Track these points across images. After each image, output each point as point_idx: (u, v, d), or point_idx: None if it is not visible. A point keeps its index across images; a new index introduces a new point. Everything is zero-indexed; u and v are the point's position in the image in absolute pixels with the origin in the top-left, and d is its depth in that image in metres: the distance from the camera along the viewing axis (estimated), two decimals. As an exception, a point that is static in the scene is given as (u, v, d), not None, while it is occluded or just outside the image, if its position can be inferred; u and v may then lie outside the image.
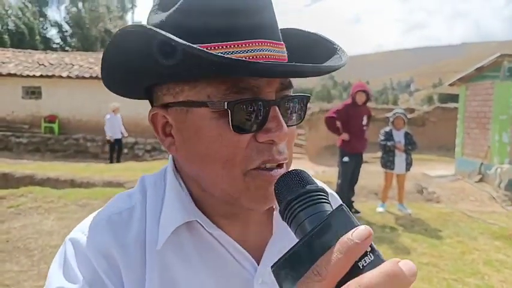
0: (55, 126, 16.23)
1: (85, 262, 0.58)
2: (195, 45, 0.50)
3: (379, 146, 6.36)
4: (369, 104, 6.24)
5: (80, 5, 37.31)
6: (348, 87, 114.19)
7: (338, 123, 6.03)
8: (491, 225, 5.99)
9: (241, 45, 0.54)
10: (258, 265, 0.64)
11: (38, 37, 34.48)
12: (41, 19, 37.62)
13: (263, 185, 0.56)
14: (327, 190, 0.50)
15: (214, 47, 0.54)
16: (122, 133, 11.79)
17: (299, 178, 0.48)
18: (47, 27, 38.89)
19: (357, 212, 6.10)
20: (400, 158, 6.16)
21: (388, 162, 6.22)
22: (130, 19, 47.49)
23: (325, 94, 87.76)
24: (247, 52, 0.54)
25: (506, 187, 8.20)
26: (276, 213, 0.66)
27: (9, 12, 33.82)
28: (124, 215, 0.63)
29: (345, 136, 5.92)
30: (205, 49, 0.51)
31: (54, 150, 15.03)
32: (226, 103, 0.54)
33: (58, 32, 39.28)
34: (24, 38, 32.74)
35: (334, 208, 0.44)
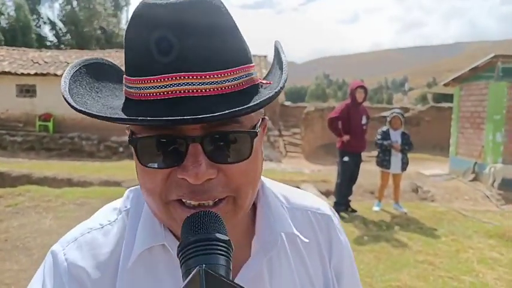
0: (50, 124, 16.14)
1: (58, 283, 0.62)
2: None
3: (375, 145, 6.42)
4: (364, 103, 6.29)
5: (75, 3, 37.08)
6: (342, 86, 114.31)
7: (339, 124, 6.07)
8: (486, 223, 6.05)
9: (156, 80, 0.52)
10: None
11: (31, 35, 34.23)
12: (34, 17, 37.33)
13: (184, 216, 0.54)
14: (231, 244, 0.50)
15: (134, 81, 0.54)
16: None
17: (209, 222, 0.49)
18: (40, 25, 38.61)
19: (353, 211, 6.15)
20: (396, 158, 6.22)
21: (384, 162, 6.28)
22: (124, 17, 47.29)
23: (320, 93, 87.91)
24: (162, 87, 0.52)
25: (499, 186, 8.31)
26: (255, 238, 0.67)
27: (2, 9, 33.54)
28: (105, 229, 0.66)
29: (346, 138, 5.95)
30: (126, 83, 0.56)
31: (49, 148, 14.95)
32: (129, 139, 0.57)
33: (51, 29, 39.01)
34: (17, 36, 32.49)
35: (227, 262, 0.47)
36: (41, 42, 34.85)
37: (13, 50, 19.44)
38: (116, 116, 0.52)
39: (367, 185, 8.11)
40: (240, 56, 0.57)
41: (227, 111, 0.49)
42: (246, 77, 0.56)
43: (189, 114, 0.49)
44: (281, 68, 0.61)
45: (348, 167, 6.07)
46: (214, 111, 0.48)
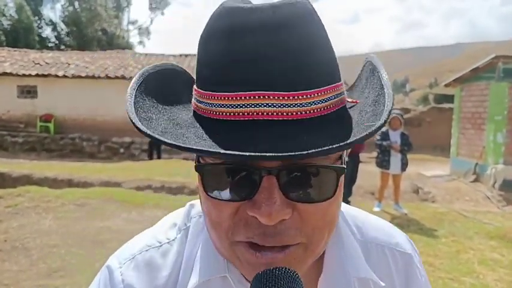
0: (51, 125, 16.21)
1: None
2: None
3: (375, 146, 6.42)
4: None
5: (76, 4, 37.20)
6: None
7: None
8: (486, 224, 6.05)
9: (233, 98, 0.45)
10: None
11: (33, 36, 34.33)
12: (36, 18, 37.45)
13: (251, 261, 0.49)
14: None
15: (206, 96, 0.48)
16: None
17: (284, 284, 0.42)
18: (42, 26, 38.72)
19: None
20: (395, 158, 6.22)
21: (384, 162, 6.29)
22: (126, 18, 47.37)
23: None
24: (238, 107, 0.45)
25: (500, 187, 8.29)
26: (323, 278, 0.60)
27: (5, 10, 33.65)
28: (163, 249, 0.62)
29: None
30: (196, 96, 0.51)
31: (50, 149, 15.02)
32: (196, 164, 0.50)
33: (53, 31, 39.12)
34: (19, 37, 32.59)
35: None
36: (42, 44, 34.97)
37: (14, 51, 19.52)
38: (182, 145, 0.44)
39: (368, 186, 8.11)
40: (330, 72, 0.49)
41: (318, 150, 0.40)
42: (335, 97, 0.49)
43: (269, 143, 0.42)
44: (381, 92, 0.49)
45: (347, 168, 6.07)
46: (298, 141, 0.42)
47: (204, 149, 0.43)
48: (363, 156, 11.90)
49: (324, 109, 0.47)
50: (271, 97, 0.44)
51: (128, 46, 39.86)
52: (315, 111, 0.46)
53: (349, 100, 0.53)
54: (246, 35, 0.45)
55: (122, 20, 44.17)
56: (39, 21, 38.26)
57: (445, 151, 12.20)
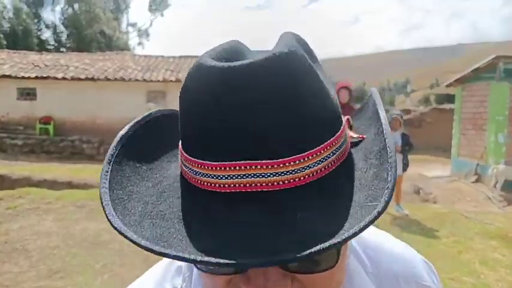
0: (50, 127, 16.26)
1: None
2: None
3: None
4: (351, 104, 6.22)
5: (76, 6, 37.31)
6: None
7: None
8: (488, 225, 6.06)
9: (214, 167, 0.41)
10: None
11: (32, 38, 34.41)
12: (36, 20, 37.55)
13: None
14: None
15: (190, 161, 0.44)
16: None
17: None
18: (41, 29, 38.83)
19: None
20: (396, 159, 6.23)
21: (385, 163, 6.29)
22: (125, 20, 47.46)
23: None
24: (223, 178, 0.41)
25: (502, 187, 8.30)
26: None
27: (4, 13, 33.75)
28: None
29: None
30: (180, 157, 0.46)
31: (50, 151, 15.03)
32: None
33: (53, 33, 39.23)
34: (18, 39, 32.67)
35: None
36: (42, 46, 35.04)
37: (14, 53, 19.56)
38: (163, 251, 0.37)
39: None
40: (327, 125, 0.44)
41: (315, 250, 0.35)
42: (333, 154, 0.43)
43: (261, 238, 0.37)
44: (383, 152, 0.44)
45: None
46: (297, 228, 0.37)
47: (187, 257, 0.37)
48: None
49: (321, 170, 0.42)
50: (260, 166, 0.40)
51: (127, 48, 39.95)
52: (312, 174, 0.41)
53: (355, 136, 0.49)
54: (230, 101, 0.40)
55: (121, 22, 44.26)
56: (38, 24, 38.36)
57: (447, 152, 12.22)
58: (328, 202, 0.40)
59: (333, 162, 0.43)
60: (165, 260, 0.63)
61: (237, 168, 0.40)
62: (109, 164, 0.47)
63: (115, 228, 0.41)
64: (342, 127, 0.46)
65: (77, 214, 5.81)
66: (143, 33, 48.50)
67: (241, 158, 0.40)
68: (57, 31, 38.96)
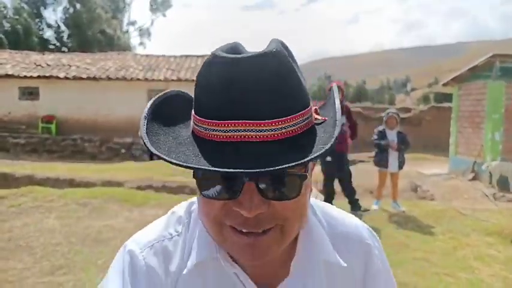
0: (52, 126, 16.31)
1: (136, 281, 0.72)
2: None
3: (373, 145, 6.50)
4: (364, 103, 6.33)
5: (78, 6, 37.28)
6: (344, 87, 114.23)
7: None
8: (484, 222, 6.06)
9: (222, 124, 0.59)
10: None
11: (34, 38, 34.42)
12: (37, 20, 37.55)
13: (237, 241, 0.63)
14: None
15: (202, 122, 0.62)
16: None
17: None
18: (43, 28, 38.82)
19: (365, 210, 6.17)
20: (393, 157, 6.30)
21: (381, 161, 6.37)
22: (126, 20, 47.42)
23: (322, 94, 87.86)
24: (226, 132, 0.59)
25: (498, 183, 8.35)
26: (295, 260, 0.74)
27: (5, 12, 33.75)
28: (174, 240, 0.76)
29: None
30: (194, 120, 0.64)
31: (52, 150, 15.08)
32: (194, 173, 0.62)
33: (55, 32, 39.22)
34: (19, 39, 32.68)
35: None
36: (43, 45, 35.04)
37: (16, 53, 19.61)
38: (184, 163, 0.57)
39: (367, 185, 8.17)
40: (300, 102, 0.62)
41: (277, 167, 0.54)
42: (303, 122, 0.62)
43: (249, 159, 0.56)
44: (334, 117, 0.65)
45: (331, 166, 6.09)
46: (271, 159, 0.55)
47: (201, 167, 0.56)
48: (362, 155, 11.93)
49: (292, 132, 0.60)
50: (251, 125, 0.58)
51: (128, 47, 39.94)
52: (286, 133, 0.60)
53: (320, 118, 0.67)
54: (236, 80, 0.58)
55: (122, 22, 44.23)
56: (40, 23, 38.36)
57: (446, 150, 12.28)
58: (296, 150, 0.58)
59: (301, 127, 0.62)
60: (168, 214, 0.81)
61: (237, 125, 0.58)
62: (145, 119, 0.66)
63: (156, 155, 0.60)
64: (309, 107, 0.65)
65: (79, 212, 5.84)
66: (144, 33, 48.48)
67: (241, 118, 0.58)
68: (59, 31, 38.97)
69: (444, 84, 10.73)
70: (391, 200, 6.60)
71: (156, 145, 0.62)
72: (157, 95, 0.71)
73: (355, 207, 6.14)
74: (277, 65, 0.60)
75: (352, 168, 10.08)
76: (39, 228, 5.25)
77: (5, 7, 33.89)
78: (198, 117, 0.62)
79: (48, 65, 17.57)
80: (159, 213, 5.48)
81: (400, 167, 6.41)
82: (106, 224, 5.35)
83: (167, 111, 0.70)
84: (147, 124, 0.65)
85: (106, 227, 5.26)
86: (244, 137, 0.58)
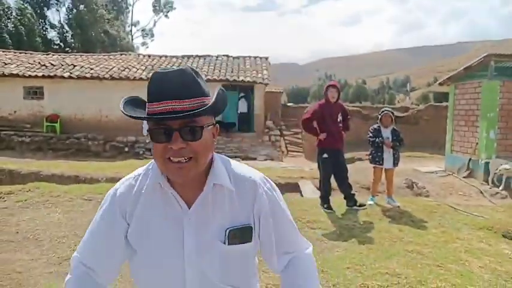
0: (57, 125, 16.44)
1: (110, 205, 1.26)
2: (135, 110, 1.18)
3: (368, 143, 6.64)
4: (364, 103, 6.51)
5: (81, 6, 37.43)
6: (344, 87, 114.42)
7: (315, 124, 6.23)
8: (476, 217, 6.13)
9: (156, 105, 1.09)
10: (189, 208, 1.21)
11: (37, 38, 34.56)
12: (41, 20, 37.69)
13: (172, 167, 1.11)
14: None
15: (149, 104, 1.11)
16: None
17: None
18: (47, 28, 38.97)
19: (329, 208, 6.16)
20: (388, 154, 6.44)
21: (376, 158, 6.50)
22: (129, 21, 47.59)
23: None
24: (158, 107, 1.09)
25: (496, 180, 8.46)
26: (206, 183, 1.20)
27: (9, 13, 33.88)
28: (135, 178, 1.28)
29: (322, 136, 6.12)
30: (147, 104, 1.12)
31: (56, 149, 15.25)
32: (147, 129, 1.14)
33: (58, 33, 39.37)
34: (22, 39, 32.81)
35: None
36: (46, 45, 35.20)
37: (20, 53, 19.78)
38: (139, 115, 1.15)
39: (364, 182, 8.30)
40: (198, 93, 1.12)
41: (181, 114, 1.07)
42: (200, 102, 1.11)
43: (173, 118, 1.08)
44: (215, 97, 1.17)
45: (328, 163, 6.20)
46: (183, 117, 1.08)
47: (147, 116, 1.11)
48: (360, 153, 12.04)
49: (194, 106, 1.09)
50: (173, 103, 1.08)
51: (131, 48, 40.08)
52: (190, 107, 1.09)
53: (210, 102, 1.14)
54: (164, 82, 1.09)
55: (124, 23, 44.38)
56: (43, 24, 38.52)
57: (443, 148, 12.36)
58: (206, 113, 1.11)
59: (198, 105, 1.10)
60: (142, 167, 1.31)
61: (166, 103, 1.08)
62: (123, 103, 1.18)
63: (125, 114, 1.14)
64: (204, 97, 1.13)
65: (84, 207, 5.96)
66: (147, 33, 48.65)
67: (168, 99, 1.08)
68: (62, 31, 39.09)
69: (440, 84, 10.83)
70: (386, 195, 6.75)
71: (127, 110, 1.15)
72: (128, 96, 1.23)
73: (350, 201, 6.29)
74: (183, 74, 1.11)
75: (350, 166, 10.24)
76: (46, 222, 5.34)
77: (8, 7, 34.02)
78: (148, 102, 1.12)
79: (52, 64, 17.74)
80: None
81: (395, 163, 6.53)
82: None
83: (132, 102, 1.22)
84: (123, 104, 1.18)
85: None
86: (171, 108, 1.08)
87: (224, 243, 1.21)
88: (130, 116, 1.13)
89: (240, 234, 1.23)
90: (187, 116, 1.07)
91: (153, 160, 1.22)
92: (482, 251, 4.86)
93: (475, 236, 5.37)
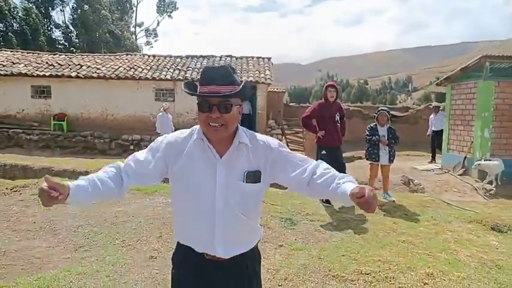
0: (64, 123, 16.74)
1: (157, 146, 1.82)
2: (198, 88, 1.74)
3: (365, 141, 6.94)
4: (366, 103, 6.77)
5: (86, 6, 37.74)
6: (346, 87, 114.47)
7: (314, 122, 6.53)
8: (467, 211, 6.38)
9: (206, 87, 1.66)
10: (221, 158, 1.74)
11: (42, 38, 34.91)
12: (46, 20, 38.04)
13: (210, 130, 1.68)
14: None
15: (201, 87, 1.68)
16: (172, 130, 12.27)
17: None
18: (52, 28, 39.31)
19: (327, 202, 6.38)
20: (384, 151, 6.75)
21: (373, 155, 6.80)
22: (132, 21, 47.90)
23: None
24: (207, 89, 1.65)
25: (494, 181, 8.73)
26: (233, 142, 1.75)
27: (14, 13, 34.24)
28: (184, 134, 1.82)
29: (321, 133, 6.43)
30: (199, 87, 1.70)
31: (64, 146, 15.56)
32: (196, 102, 1.72)
33: (63, 33, 39.70)
34: (28, 39, 33.16)
35: None
36: (51, 45, 35.53)
37: (28, 53, 20.10)
38: (194, 93, 1.72)
39: (362, 179, 8.57)
40: (232, 83, 1.67)
41: (221, 94, 1.65)
42: (233, 88, 1.66)
43: (215, 96, 1.65)
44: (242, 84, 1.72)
45: (326, 159, 6.48)
46: (223, 97, 1.66)
47: (199, 94, 1.69)
48: (361, 153, 12.34)
49: (230, 90, 1.66)
50: (215, 87, 1.65)
51: (136, 48, 40.38)
52: (228, 90, 1.66)
53: (239, 89, 1.68)
54: (211, 72, 1.69)
55: (129, 23, 44.68)
56: (48, 23, 38.88)
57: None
58: (236, 96, 1.71)
59: (235, 90, 1.68)
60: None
61: (212, 88, 1.66)
62: (184, 85, 1.78)
63: (187, 92, 1.76)
64: (238, 85, 1.69)
65: None
66: (151, 33, 48.98)
67: (213, 84, 1.67)
68: (67, 31, 39.42)
69: (438, 84, 11.09)
70: (382, 191, 7.05)
71: (186, 89, 1.73)
72: (186, 81, 1.80)
73: None
74: (224, 69, 1.68)
75: (350, 164, 10.53)
76: (61, 213, 5.53)
77: (15, 7, 34.38)
78: (200, 85, 1.69)
79: (59, 64, 18.06)
80: (167, 200, 5.87)
81: (391, 160, 6.82)
82: (121, 210, 5.67)
83: (189, 85, 1.76)
84: (184, 85, 1.76)
85: (121, 212, 5.58)
86: (214, 90, 1.64)
87: (243, 181, 1.74)
88: (189, 93, 1.70)
89: (253, 176, 1.76)
90: (223, 96, 1.63)
91: (196, 125, 1.82)
92: (470, 241, 5.11)
93: (465, 229, 5.62)
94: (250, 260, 1.87)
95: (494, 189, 8.51)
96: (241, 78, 16.45)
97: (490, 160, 8.81)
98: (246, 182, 1.73)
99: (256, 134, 1.86)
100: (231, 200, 1.73)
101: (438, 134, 11.99)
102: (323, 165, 1.81)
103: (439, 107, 12.87)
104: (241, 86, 1.67)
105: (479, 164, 8.68)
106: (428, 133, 12.49)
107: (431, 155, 12.36)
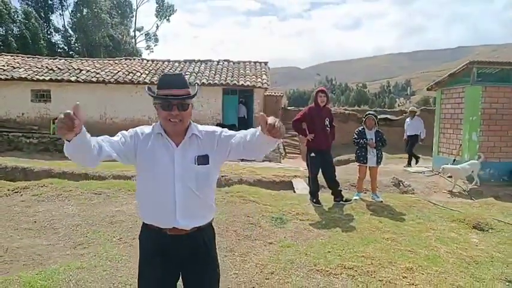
0: (63, 127, 16.95)
1: (130, 132, 2.18)
2: (156, 91, 2.13)
3: (353, 143, 7.19)
4: (363, 107, 6.99)
5: (85, 11, 37.99)
6: (345, 90, 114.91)
7: (304, 125, 6.77)
8: (452, 211, 6.56)
9: (164, 90, 2.07)
10: (177, 147, 2.13)
11: (42, 42, 35.14)
12: (45, 24, 38.27)
13: (169, 124, 2.09)
14: None
15: (161, 90, 2.09)
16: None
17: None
18: (51, 32, 39.55)
19: (318, 202, 6.66)
20: (371, 153, 6.99)
21: (361, 157, 7.05)
22: (132, 25, 48.19)
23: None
24: (169, 91, 2.06)
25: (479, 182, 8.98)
26: (187, 133, 2.15)
27: (14, 17, 34.48)
28: (148, 129, 2.20)
29: (310, 136, 6.67)
30: (157, 91, 2.11)
31: (63, 150, 15.72)
32: (156, 102, 2.12)
33: (62, 37, 39.93)
34: (27, 43, 33.37)
35: None
36: (51, 49, 35.75)
37: (28, 57, 20.35)
38: (154, 95, 2.13)
39: (353, 180, 8.81)
40: (187, 86, 2.11)
41: (180, 97, 2.07)
42: (188, 91, 2.11)
43: (174, 98, 2.06)
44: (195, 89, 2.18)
45: (316, 162, 6.70)
46: (181, 99, 2.07)
47: (160, 95, 2.10)
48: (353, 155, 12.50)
49: (185, 93, 2.10)
50: (174, 90, 2.07)
51: (135, 52, 40.64)
52: (184, 94, 2.09)
53: (194, 92, 2.15)
54: (171, 78, 2.13)
55: (128, 27, 44.96)
56: (47, 27, 39.12)
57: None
58: (191, 97, 2.15)
59: (190, 93, 2.13)
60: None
61: (173, 90, 2.07)
62: (147, 89, 2.26)
63: (150, 94, 2.19)
64: (196, 90, 2.18)
65: (94, 200, 6.39)
66: (150, 38, 49.27)
67: (171, 88, 2.09)
68: (66, 35, 39.65)
69: (428, 89, 11.35)
70: (371, 192, 7.29)
71: (150, 92, 2.16)
72: (148, 86, 2.35)
73: (337, 197, 6.84)
74: (181, 75, 2.16)
75: (344, 167, 10.77)
76: (60, 213, 5.76)
77: (15, 11, 34.60)
78: (159, 89, 2.10)
79: (59, 69, 18.31)
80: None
81: (378, 162, 7.05)
82: (118, 210, 5.90)
83: (150, 89, 2.18)
84: (147, 89, 2.21)
85: (118, 211, 5.80)
86: (175, 93, 2.06)
87: (195, 163, 2.14)
88: (152, 96, 2.10)
89: (202, 159, 2.15)
90: (182, 98, 2.05)
91: (156, 122, 2.20)
92: (451, 239, 5.33)
93: (448, 227, 5.83)
94: (207, 234, 2.27)
95: (470, 188, 8.79)
96: (238, 82, 16.74)
97: (475, 161, 9.05)
98: (197, 164, 2.12)
99: (205, 126, 2.29)
100: (187, 180, 2.11)
101: (413, 139, 12.24)
102: (250, 131, 2.14)
103: (415, 111, 13.11)
104: (195, 90, 2.13)
105: (443, 168, 8.94)
106: (404, 137, 12.61)
107: (407, 159, 12.55)
